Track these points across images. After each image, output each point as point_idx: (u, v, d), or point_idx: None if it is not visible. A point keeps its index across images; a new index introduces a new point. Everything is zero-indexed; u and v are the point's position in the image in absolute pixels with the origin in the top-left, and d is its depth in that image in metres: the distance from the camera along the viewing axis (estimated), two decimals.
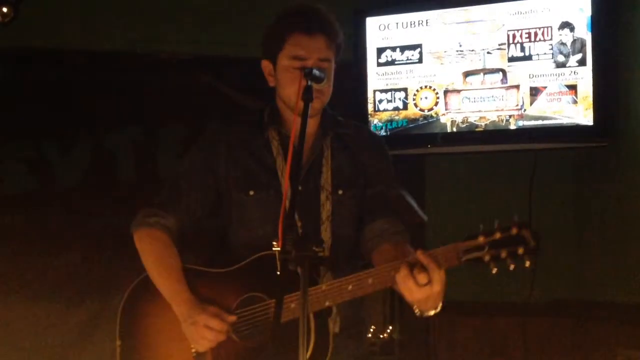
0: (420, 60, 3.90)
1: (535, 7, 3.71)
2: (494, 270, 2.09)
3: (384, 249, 2.37)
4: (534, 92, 3.72)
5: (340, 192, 2.44)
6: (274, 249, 2.00)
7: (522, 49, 3.73)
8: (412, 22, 3.92)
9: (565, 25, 3.65)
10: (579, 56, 3.63)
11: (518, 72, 3.74)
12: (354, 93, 3.98)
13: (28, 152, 4.12)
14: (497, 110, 3.78)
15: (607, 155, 3.81)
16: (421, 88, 3.91)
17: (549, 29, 3.69)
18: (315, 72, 2.23)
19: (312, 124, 2.43)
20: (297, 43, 2.37)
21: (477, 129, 3.82)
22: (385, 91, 3.97)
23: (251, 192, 2.43)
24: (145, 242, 2.48)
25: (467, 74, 3.83)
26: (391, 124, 3.96)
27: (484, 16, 3.80)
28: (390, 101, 3.96)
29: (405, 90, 3.94)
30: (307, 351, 2.16)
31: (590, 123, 3.62)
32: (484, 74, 3.80)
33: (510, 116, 3.76)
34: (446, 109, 3.87)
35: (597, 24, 3.60)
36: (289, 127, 2.42)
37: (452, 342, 4.17)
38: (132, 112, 4.14)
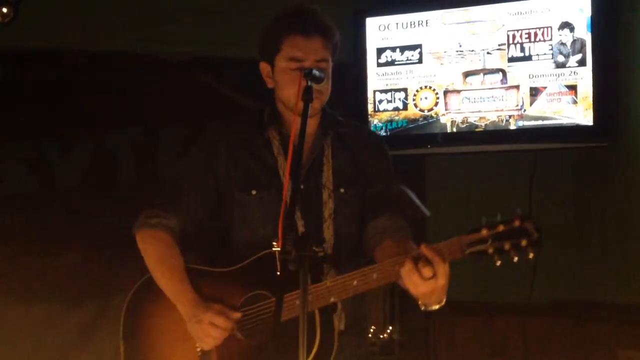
0: (420, 61, 3.91)
1: (535, 7, 3.72)
2: (498, 263, 2.09)
3: (386, 246, 2.37)
4: (534, 92, 3.72)
5: (341, 190, 2.45)
6: (274, 248, 2.01)
7: (522, 49, 3.73)
8: (412, 23, 3.92)
9: (565, 25, 3.66)
10: (578, 56, 3.64)
11: (518, 73, 3.74)
12: (354, 93, 3.98)
13: (28, 152, 4.12)
14: (497, 111, 3.78)
15: (607, 155, 3.81)
16: (421, 88, 3.91)
17: (549, 29, 3.69)
18: (315, 72, 2.23)
19: (312, 124, 2.44)
20: (294, 45, 2.38)
21: (477, 129, 3.82)
22: (385, 91, 3.97)
23: (253, 192, 2.44)
24: (147, 242, 2.48)
25: (467, 74, 3.83)
26: (391, 124, 3.96)
27: (484, 16, 3.80)
28: (390, 101, 3.96)
29: (405, 90, 3.94)
30: (312, 348, 2.20)
31: (590, 123, 3.62)
32: (484, 74, 3.80)
33: (510, 116, 3.76)
34: (446, 109, 3.87)
35: (597, 24, 3.61)
36: (289, 127, 2.42)
37: (452, 342, 4.17)
38: (132, 112, 4.14)
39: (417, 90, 3.92)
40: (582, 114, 3.64)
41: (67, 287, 3.99)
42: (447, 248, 2.12)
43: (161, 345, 2.45)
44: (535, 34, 3.71)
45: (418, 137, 3.93)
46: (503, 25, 3.77)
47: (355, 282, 2.21)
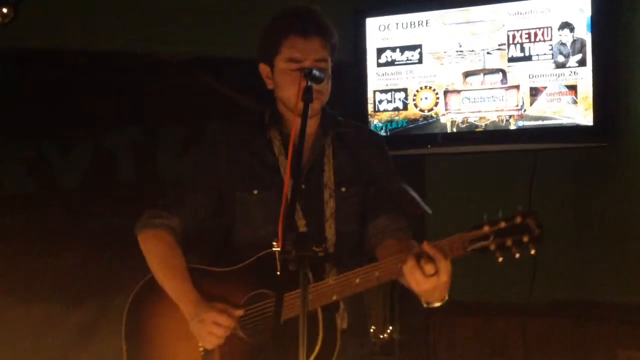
0: (420, 61, 3.91)
1: (535, 7, 3.72)
2: (500, 259, 2.10)
3: (388, 244, 2.38)
4: (534, 92, 3.72)
5: (343, 189, 2.46)
6: (274, 248, 2.02)
7: (522, 50, 3.73)
8: (412, 23, 3.92)
9: (565, 25, 3.66)
10: (578, 56, 3.64)
11: (518, 73, 3.74)
12: (354, 93, 3.98)
13: (28, 152, 4.13)
14: (497, 111, 3.78)
15: (607, 155, 3.81)
16: (421, 88, 3.91)
17: (549, 29, 3.69)
18: (315, 72, 2.23)
19: (312, 124, 2.45)
20: (292, 45, 2.39)
21: (477, 129, 3.82)
22: (385, 91, 3.97)
23: (255, 192, 2.45)
24: (150, 243, 2.49)
25: (467, 75, 3.83)
26: (391, 125, 3.96)
27: (484, 17, 3.80)
28: (390, 102, 3.96)
29: (405, 90, 3.94)
30: (315, 346, 2.20)
31: (590, 123, 3.62)
32: (484, 75, 3.80)
33: (510, 116, 3.76)
34: (446, 110, 3.87)
35: (597, 24, 3.61)
36: (289, 127, 2.43)
37: (452, 342, 4.17)
38: (132, 112, 4.14)
39: (417, 91, 3.92)
40: (582, 114, 3.64)
41: (67, 287, 4.00)
42: (449, 245, 2.13)
43: (163, 345, 2.46)
44: (535, 34, 3.71)
45: (418, 137, 3.93)
46: (503, 25, 3.77)
47: (357, 280, 2.21)
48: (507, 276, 3.91)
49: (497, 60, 3.77)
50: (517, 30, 3.74)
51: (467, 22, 3.83)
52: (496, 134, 3.79)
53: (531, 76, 3.72)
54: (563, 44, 3.66)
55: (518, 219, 2.08)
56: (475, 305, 4.05)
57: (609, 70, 3.66)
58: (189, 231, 2.50)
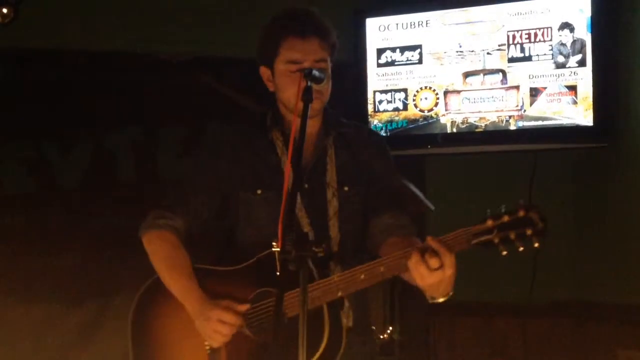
0: (420, 61, 3.91)
1: (535, 8, 3.72)
2: (504, 253, 2.12)
3: (392, 242, 2.40)
4: (534, 92, 3.72)
5: (345, 188, 2.48)
6: (273, 249, 2.03)
7: (522, 50, 3.73)
8: (412, 23, 3.92)
9: (565, 26, 3.66)
10: (578, 57, 3.64)
11: (518, 73, 3.74)
12: (354, 94, 3.98)
13: (28, 152, 4.12)
14: (497, 111, 3.78)
15: (607, 155, 3.81)
16: (421, 89, 3.91)
17: (549, 29, 3.69)
18: (315, 72, 2.24)
19: (314, 124, 2.48)
20: (291, 47, 2.41)
21: (477, 130, 3.82)
22: (385, 92, 3.97)
23: (259, 192, 2.47)
24: (154, 243, 2.50)
25: (467, 75, 3.83)
26: (391, 125, 3.96)
27: (483, 17, 3.80)
28: (390, 102, 3.96)
29: (405, 91, 3.94)
30: (321, 343, 2.23)
31: (590, 124, 3.62)
32: (484, 75, 3.80)
33: (510, 117, 3.76)
34: (446, 110, 3.87)
35: (597, 24, 3.61)
36: (291, 128, 2.44)
37: (452, 342, 4.17)
38: (132, 112, 4.14)
39: (417, 91, 3.92)
40: (582, 115, 3.64)
41: (67, 287, 3.99)
42: (453, 239, 2.15)
43: (170, 344, 2.47)
44: (535, 35, 3.71)
45: (418, 137, 3.93)
46: (503, 25, 3.77)
47: (362, 276, 2.23)
48: (507, 276, 3.91)
49: (497, 61, 3.77)
50: (517, 31, 3.74)
51: (467, 23, 3.84)
52: (496, 135, 3.79)
53: (531, 76, 3.72)
54: (563, 45, 3.66)
55: (521, 213, 2.10)
56: (475, 305, 4.05)
57: (609, 71, 3.66)
58: (192, 231, 2.52)
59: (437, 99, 3.88)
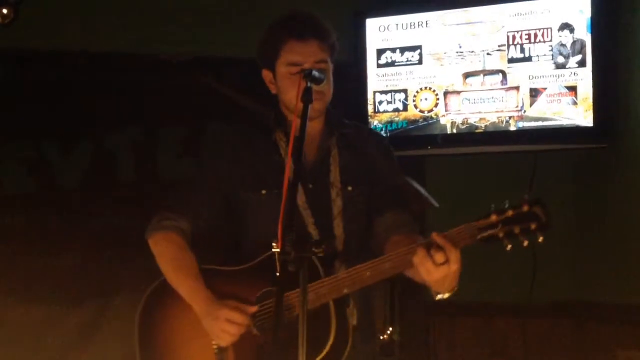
0: (420, 62, 3.91)
1: (535, 8, 3.72)
2: (508, 247, 2.14)
3: (396, 240, 2.41)
4: (534, 93, 3.72)
5: (349, 188, 2.50)
6: (273, 249, 2.03)
7: (522, 50, 3.73)
8: (412, 24, 3.92)
9: (565, 26, 3.66)
10: (578, 57, 3.64)
11: (518, 74, 3.74)
12: (354, 94, 3.98)
13: (28, 152, 4.12)
14: (497, 112, 3.78)
15: (607, 156, 3.81)
16: (421, 89, 3.91)
17: (549, 30, 3.69)
18: (315, 73, 2.26)
19: (317, 125, 2.51)
20: (291, 50, 2.44)
21: (477, 130, 3.82)
22: (385, 92, 3.97)
23: (263, 192, 2.49)
24: (161, 245, 2.52)
25: (467, 75, 3.83)
26: (391, 125, 3.96)
27: (483, 17, 3.81)
28: (390, 102, 3.96)
29: (405, 91, 3.94)
30: (328, 339, 2.25)
31: (590, 124, 3.62)
32: (484, 75, 3.80)
33: (510, 117, 3.76)
34: (446, 110, 3.87)
35: (597, 25, 3.61)
36: None
37: (452, 342, 4.17)
38: (132, 112, 4.14)
39: (417, 91, 3.92)
40: (582, 115, 3.64)
41: (67, 287, 3.99)
42: (458, 234, 2.18)
43: (177, 345, 2.48)
44: (535, 35, 3.71)
45: (418, 138, 3.93)
46: (503, 26, 3.77)
47: (368, 273, 2.26)
48: (507, 276, 3.92)
49: (497, 61, 3.77)
50: (517, 31, 3.74)
51: (467, 23, 3.84)
52: (496, 135, 3.80)
53: (531, 77, 3.73)
54: (563, 45, 3.66)
55: (525, 207, 2.13)
56: (475, 305, 4.05)
57: (608, 71, 3.66)
58: (197, 232, 2.54)
59: (437, 99, 3.88)
